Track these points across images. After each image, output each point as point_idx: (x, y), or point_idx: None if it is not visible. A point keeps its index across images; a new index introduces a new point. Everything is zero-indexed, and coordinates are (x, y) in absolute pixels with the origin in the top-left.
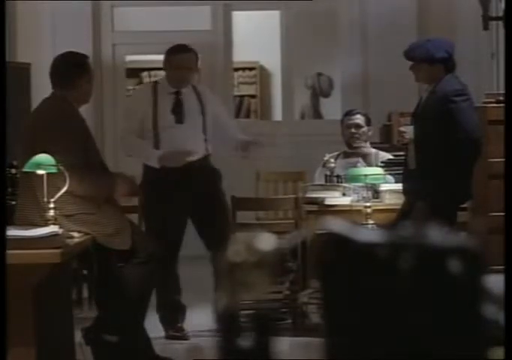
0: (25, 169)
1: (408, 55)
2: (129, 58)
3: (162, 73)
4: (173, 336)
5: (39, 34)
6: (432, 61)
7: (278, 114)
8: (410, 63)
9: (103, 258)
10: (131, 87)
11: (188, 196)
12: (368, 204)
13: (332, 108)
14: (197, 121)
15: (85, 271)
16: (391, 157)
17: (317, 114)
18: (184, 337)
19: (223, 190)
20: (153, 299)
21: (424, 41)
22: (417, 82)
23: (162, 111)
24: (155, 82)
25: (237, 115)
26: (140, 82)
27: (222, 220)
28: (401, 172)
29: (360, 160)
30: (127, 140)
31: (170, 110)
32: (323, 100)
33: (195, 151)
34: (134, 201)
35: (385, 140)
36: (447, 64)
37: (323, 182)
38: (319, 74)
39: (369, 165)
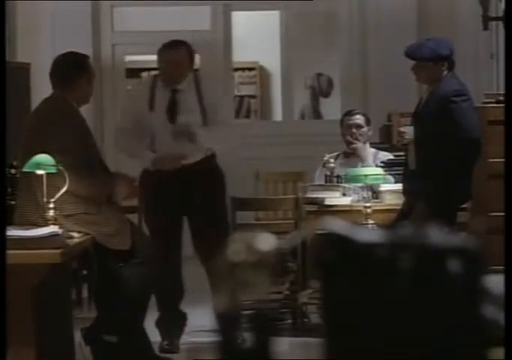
0: (25, 169)
1: (412, 54)
2: (129, 58)
3: None
4: (165, 349)
5: (39, 34)
6: (437, 59)
7: (278, 114)
8: (410, 63)
9: (103, 258)
10: (130, 87)
11: (185, 199)
12: (368, 204)
13: (332, 108)
14: (195, 121)
15: (85, 271)
16: (391, 156)
17: (317, 114)
18: (174, 351)
19: (224, 193)
20: (153, 300)
21: (424, 41)
22: (418, 82)
23: (158, 110)
24: (154, 78)
25: (237, 115)
26: (140, 82)
27: (219, 224)
28: (401, 172)
29: (360, 160)
30: (123, 140)
31: (165, 109)
32: (323, 100)
33: (191, 153)
34: (134, 201)
35: (385, 140)
36: (450, 62)
37: (323, 182)
38: (319, 74)
39: (369, 165)
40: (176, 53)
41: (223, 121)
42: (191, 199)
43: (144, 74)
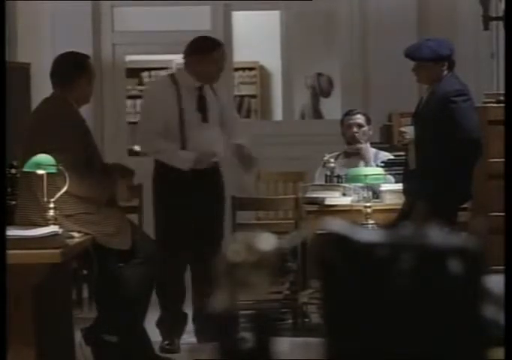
0: (25, 169)
1: (412, 55)
2: (129, 58)
3: (162, 72)
4: (166, 349)
5: (39, 34)
6: (437, 59)
7: (278, 114)
8: (410, 63)
9: (104, 258)
10: (130, 87)
11: (199, 198)
12: (368, 204)
13: (332, 108)
14: (217, 120)
15: (85, 271)
16: (392, 156)
17: (317, 114)
18: (175, 351)
19: (224, 193)
20: (153, 300)
21: (424, 41)
22: (419, 82)
23: (187, 108)
24: (172, 76)
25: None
26: (141, 82)
27: (219, 224)
28: (401, 172)
29: (364, 161)
30: (152, 142)
31: (195, 107)
32: (323, 100)
33: (219, 151)
34: (134, 201)
35: (385, 140)
36: (450, 62)
37: (323, 182)
38: (319, 74)
39: (369, 165)
40: (221, 53)
41: (237, 117)
42: (201, 199)
43: (144, 74)
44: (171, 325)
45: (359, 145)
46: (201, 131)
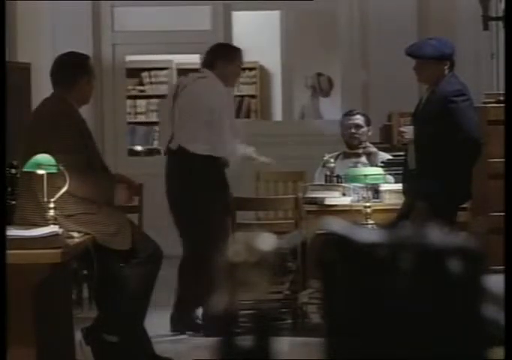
0: (25, 169)
1: (415, 53)
2: (129, 58)
3: (162, 73)
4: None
5: (39, 34)
6: (440, 57)
7: (278, 114)
8: (410, 63)
9: (104, 258)
10: (130, 87)
11: (226, 197)
12: (368, 204)
13: (332, 108)
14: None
15: (85, 271)
16: (390, 157)
17: (317, 114)
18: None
19: None
20: (157, 298)
21: (427, 40)
22: (420, 82)
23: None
24: (212, 77)
25: (237, 115)
26: (141, 83)
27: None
28: (401, 172)
29: (360, 160)
30: (230, 142)
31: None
32: (323, 100)
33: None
34: (135, 201)
35: (385, 140)
36: (452, 60)
37: (323, 182)
38: (319, 74)
39: (369, 165)
40: (242, 58)
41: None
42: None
43: (144, 74)
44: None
45: (356, 146)
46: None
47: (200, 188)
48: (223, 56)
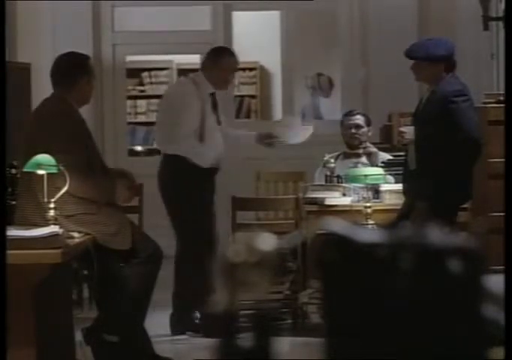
0: (25, 169)
1: (409, 54)
2: (129, 58)
3: (162, 73)
4: (194, 335)
5: (39, 34)
6: (432, 59)
7: (278, 114)
8: (410, 63)
9: (104, 258)
10: (130, 87)
11: (212, 197)
12: (368, 204)
13: (332, 108)
14: (225, 123)
15: (85, 271)
16: (390, 157)
17: (317, 114)
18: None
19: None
20: (157, 298)
21: (425, 40)
22: (417, 81)
23: (207, 111)
24: (193, 80)
25: (237, 115)
26: (141, 83)
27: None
28: (401, 172)
29: (360, 160)
30: (188, 141)
31: (211, 110)
32: (323, 100)
33: (225, 153)
34: (135, 201)
35: (385, 140)
36: (447, 63)
37: (323, 182)
38: (319, 74)
39: (369, 165)
40: (234, 61)
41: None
42: (211, 197)
43: (144, 74)
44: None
45: (357, 146)
46: (216, 132)
47: (171, 188)
48: (210, 59)
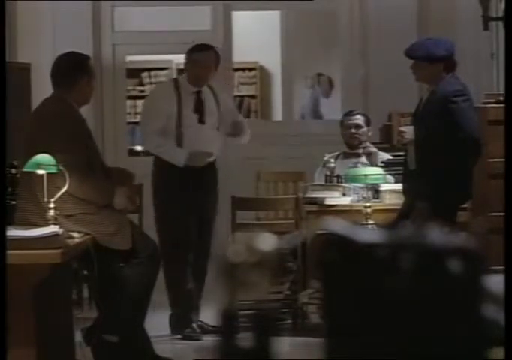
0: (25, 169)
1: (409, 53)
2: (129, 58)
3: (162, 73)
4: (189, 337)
5: (39, 33)
6: (431, 59)
7: (278, 114)
8: (410, 63)
9: (104, 258)
10: (130, 87)
11: (199, 196)
12: (368, 204)
13: (332, 108)
14: (214, 122)
15: (85, 271)
16: (390, 157)
17: (317, 114)
18: (197, 338)
19: (218, 192)
20: (157, 298)
21: (424, 40)
22: (417, 81)
23: (186, 110)
24: (175, 80)
25: None
26: (141, 83)
27: (214, 222)
28: (401, 172)
29: (360, 160)
30: (152, 140)
31: (192, 110)
32: (323, 100)
33: (215, 152)
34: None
35: (385, 140)
36: (447, 63)
37: (323, 182)
38: (319, 74)
39: (369, 165)
40: (205, 56)
41: (243, 121)
42: (202, 198)
43: (144, 74)
44: (185, 311)
45: (371, 150)
46: (197, 132)
47: (155, 188)
48: (186, 57)
